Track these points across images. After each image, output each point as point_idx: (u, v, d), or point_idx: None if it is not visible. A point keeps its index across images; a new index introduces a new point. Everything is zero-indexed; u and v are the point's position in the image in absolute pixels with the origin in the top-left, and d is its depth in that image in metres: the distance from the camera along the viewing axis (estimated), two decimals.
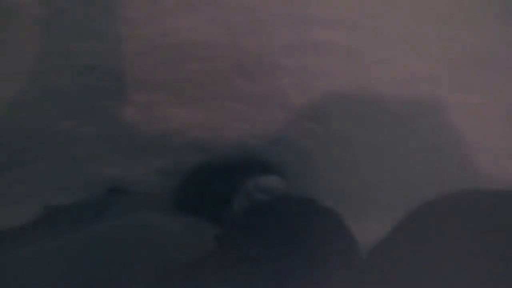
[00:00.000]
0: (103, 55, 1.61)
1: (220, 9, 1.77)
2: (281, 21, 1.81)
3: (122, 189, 1.74)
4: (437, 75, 1.84)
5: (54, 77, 1.51)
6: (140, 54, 1.70)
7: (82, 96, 1.63)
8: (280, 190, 1.65)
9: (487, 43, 1.84)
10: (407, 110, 1.91)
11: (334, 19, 1.85)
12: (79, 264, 0.82)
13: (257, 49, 1.83)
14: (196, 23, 1.76)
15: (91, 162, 1.73)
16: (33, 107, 1.51)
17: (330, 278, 1.00)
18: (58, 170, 1.63)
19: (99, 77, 1.61)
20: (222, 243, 1.08)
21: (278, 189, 1.64)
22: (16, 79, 1.44)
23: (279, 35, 1.83)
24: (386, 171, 1.97)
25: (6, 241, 1.27)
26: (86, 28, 1.56)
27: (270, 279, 0.92)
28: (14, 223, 1.36)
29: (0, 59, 1.50)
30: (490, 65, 1.82)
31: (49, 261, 0.83)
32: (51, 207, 1.54)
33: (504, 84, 1.82)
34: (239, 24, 1.81)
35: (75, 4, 1.52)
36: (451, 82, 1.84)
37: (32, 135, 1.54)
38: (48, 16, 1.46)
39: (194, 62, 1.80)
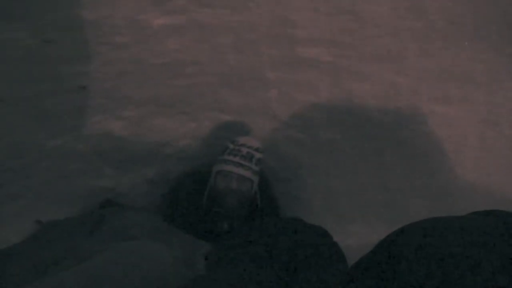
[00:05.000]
0: (93, 76, 1.64)
1: (205, 32, 1.80)
2: (266, 41, 1.86)
3: (114, 202, 1.77)
4: (416, 88, 1.91)
5: (44, 99, 1.53)
6: (129, 73, 1.74)
7: (72, 114, 1.66)
8: (256, 146, 1.73)
9: (461, 60, 1.91)
10: (390, 121, 1.97)
11: (317, 38, 1.90)
12: None
13: (243, 65, 1.88)
14: (182, 44, 1.79)
15: (82, 176, 1.75)
16: (23, 127, 1.53)
17: None
18: (50, 186, 1.65)
19: (88, 96, 1.64)
20: (211, 264, 1.13)
21: (253, 145, 1.72)
22: (8, 103, 1.46)
23: (265, 52, 1.88)
24: (371, 177, 2.03)
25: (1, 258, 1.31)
26: (75, 54, 1.59)
27: None
28: (8, 239, 1.39)
29: None
30: (464, 80, 1.90)
31: None
32: (45, 222, 1.57)
33: (477, 97, 1.89)
34: (224, 44, 1.86)
35: (62, 35, 1.55)
36: (429, 94, 1.91)
37: (23, 153, 1.56)
38: (37, 46, 1.49)
39: (182, 78, 1.85)
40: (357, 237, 1.89)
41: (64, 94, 1.58)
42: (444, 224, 0.75)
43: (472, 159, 1.90)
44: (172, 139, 1.96)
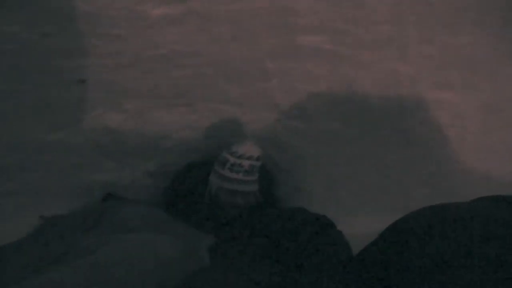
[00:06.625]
0: (92, 69, 1.63)
1: (204, 22, 1.78)
2: (265, 30, 1.84)
3: (114, 195, 1.77)
4: (417, 75, 1.89)
5: (43, 93, 1.52)
6: (128, 65, 1.73)
7: (71, 107, 1.65)
8: (257, 155, 1.65)
9: (463, 45, 1.89)
10: (391, 108, 1.96)
11: (317, 26, 1.88)
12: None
13: (243, 54, 1.87)
14: (182, 35, 1.78)
15: (83, 170, 1.75)
16: (23, 121, 1.52)
17: (323, 282, 1.05)
18: (51, 180, 1.64)
19: (88, 89, 1.63)
20: (215, 256, 1.12)
21: (254, 155, 1.64)
22: (7, 97, 1.45)
23: (265, 42, 1.87)
24: (373, 166, 2.02)
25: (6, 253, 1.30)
26: (73, 47, 1.57)
27: None
28: (9, 234, 1.39)
29: None
30: (466, 66, 1.88)
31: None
32: (47, 217, 1.56)
33: (479, 83, 1.88)
34: (224, 34, 1.84)
35: (60, 27, 1.53)
36: (431, 81, 1.90)
37: (23, 148, 1.56)
38: (35, 39, 1.47)
39: (181, 69, 1.83)
40: (359, 226, 1.88)
41: (63, 88, 1.57)
42: (449, 212, 0.73)
43: (475, 145, 1.89)
44: (172, 131, 1.94)
